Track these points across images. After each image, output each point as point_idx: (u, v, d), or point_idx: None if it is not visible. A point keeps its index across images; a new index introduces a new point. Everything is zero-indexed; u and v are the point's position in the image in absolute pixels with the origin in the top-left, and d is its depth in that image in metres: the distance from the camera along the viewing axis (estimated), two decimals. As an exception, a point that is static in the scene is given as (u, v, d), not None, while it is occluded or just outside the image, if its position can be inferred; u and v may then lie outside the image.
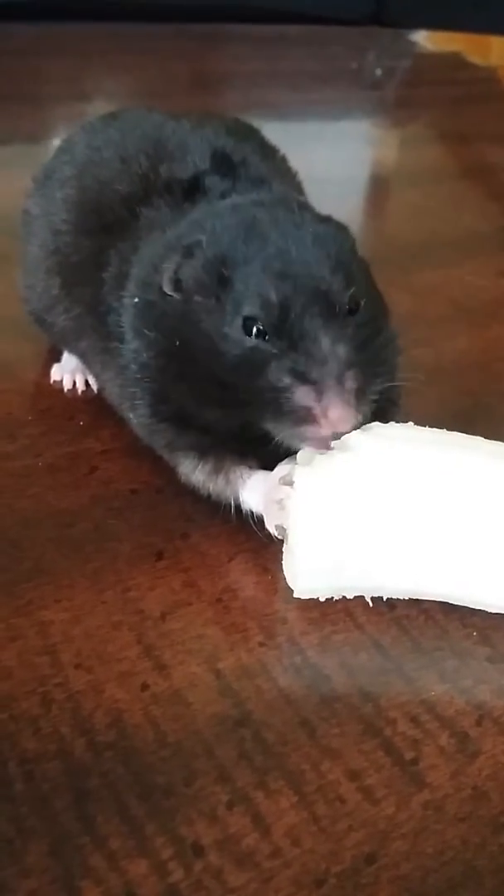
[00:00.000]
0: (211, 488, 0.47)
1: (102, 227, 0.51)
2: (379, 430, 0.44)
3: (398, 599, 0.45)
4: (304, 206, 0.48)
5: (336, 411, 0.40)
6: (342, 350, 0.40)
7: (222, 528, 0.48)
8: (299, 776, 0.36)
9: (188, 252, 0.44)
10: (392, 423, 0.45)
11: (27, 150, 1.02)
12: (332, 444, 0.42)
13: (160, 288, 0.45)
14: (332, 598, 0.44)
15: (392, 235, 0.89)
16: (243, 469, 0.46)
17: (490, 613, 0.44)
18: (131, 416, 0.50)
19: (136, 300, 0.47)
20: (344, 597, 0.45)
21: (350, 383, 0.40)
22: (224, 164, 0.50)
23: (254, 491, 0.46)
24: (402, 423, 0.45)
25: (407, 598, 0.45)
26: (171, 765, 0.36)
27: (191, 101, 1.19)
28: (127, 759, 0.36)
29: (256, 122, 0.60)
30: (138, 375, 0.47)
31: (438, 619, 0.44)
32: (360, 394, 0.41)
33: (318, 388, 0.40)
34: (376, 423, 0.44)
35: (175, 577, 0.45)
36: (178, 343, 0.44)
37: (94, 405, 0.56)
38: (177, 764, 0.36)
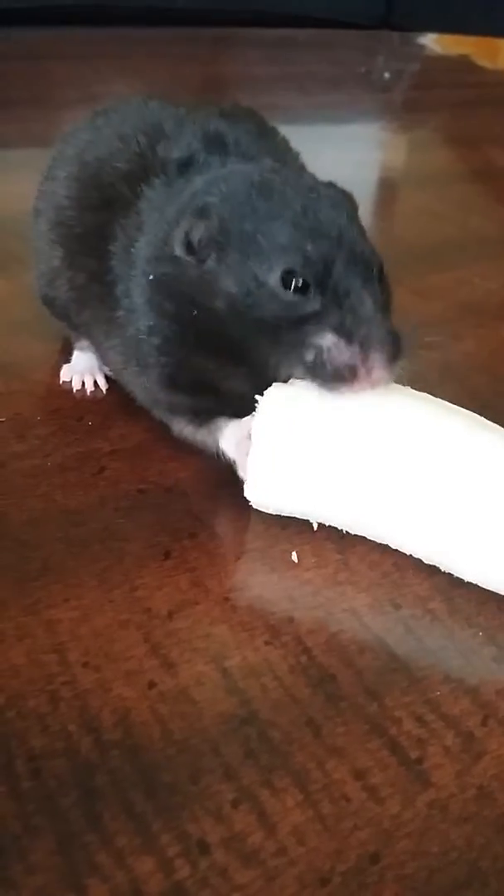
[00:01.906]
0: (198, 438, 0.50)
1: (105, 202, 0.51)
2: None
3: (404, 599, 0.45)
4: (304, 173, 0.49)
5: (380, 371, 0.42)
6: (384, 314, 0.42)
7: (229, 527, 0.48)
8: (305, 775, 0.36)
9: (201, 212, 0.45)
10: None
11: (37, 153, 1.02)
12: None
13: (171, 257, 0.45)
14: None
15: (400, 238, 0.89)
16: (223, 419, 0.48)
17: (496, 612, 0.44)
18: (135, 381, 0.51)
19: (151, 277, 0.47)
20: (349, 596, 0.45)
21: (392, 348, 0.42)
22: (216, 144, 0.51)
23: (230, 438, 0.48)
24: None
25: (354, 532, 0.47)
26: (178, 763, 0.36)
27: (200, 105, 1.19)
28: (133, 757, 0.36)
29: (264, 120, 0.60)
30: (152, 347, 0.48)
31: (444, 618, 0.44)
32: (397, 358, 0.42)
33: (364, 346, 0.41)
34: None
35: (182, 577, 0.45)
36: (194, 312, 0.45)
37: (102, 406, 0.57)
38: (183, 762, 0.36)
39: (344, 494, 0.45)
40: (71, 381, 0.58)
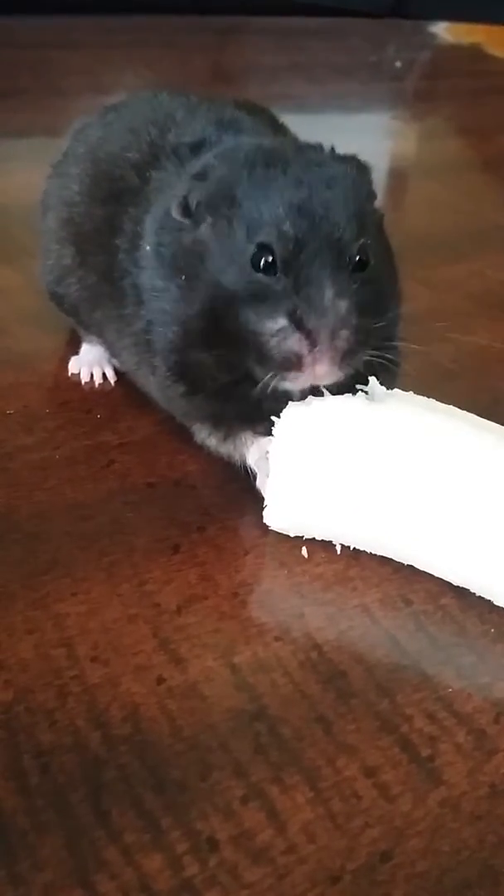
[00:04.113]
0: (222, 451, 0.49)
1: (114, 195, 0.51)
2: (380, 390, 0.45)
3: (415, 595, 0.45)
4: (341, 155, 0.47)
5: (323, 367, 0.40)
6: (343, 306, 0.40)
7: (238, 521, 0.48)
8: (315, 772, 0.36)
9: (200, 175, 0.44)
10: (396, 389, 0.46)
11: (46, 142, 1.01)
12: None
13: (171, 226, 0.45)
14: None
15: (411, 229, 0.88)
16: (249, 434, 0.48)
17: (508, 610, 0.44)
18: (149, 383, 0.51)
19: (149, 247, 0.47)
20: (360, 592, 0.44)
21: (342, 342, 0.40)
22: (231, 128, 0.50)
23: (254, 454, 0.47)
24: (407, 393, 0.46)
25: (371, 552, 0.46)
26: (187, 759, 0.36)
27: (210, 95, 1.18)
28: (142, 753, 0.36)
29: (276, 115, 0.60)
30: (155, 338, 0.47)
31: (456, 615, 0.44)
32: (349, 354, 0.41)
33: (311, 338, 0.40)
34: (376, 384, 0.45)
35: (191, 571, 0.45)
36: (184, 278, 0.44)
37: (111, 398, 0.56)
38: (192, 758, 0.36)
39: (366, 518, 0.44)
40: (79, 374, 0.58)
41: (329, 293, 0.40)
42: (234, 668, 0.40)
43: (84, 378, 0.57)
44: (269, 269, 0.41)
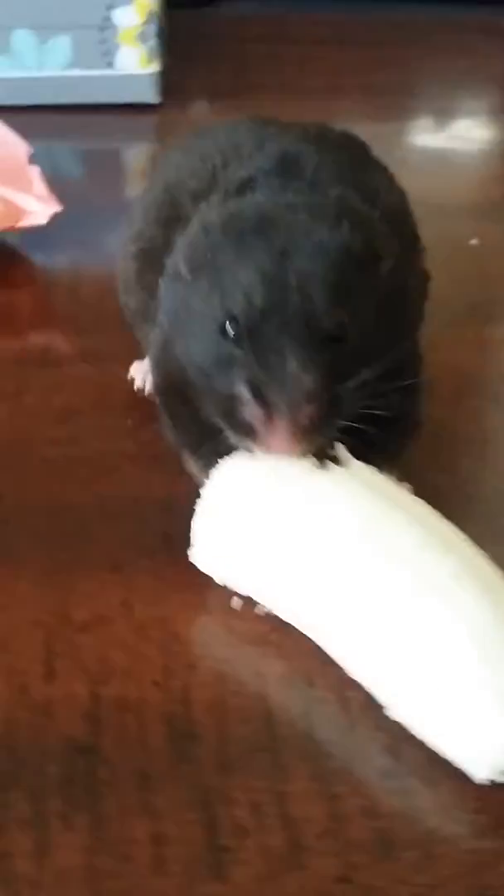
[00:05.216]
0: (195, 476, 0.49)
1: (170, 220, 0.53)
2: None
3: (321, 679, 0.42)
4: (347, 213, 0.44)
5: (278, 442, 0.39)
6: (307, 380, 0.39)
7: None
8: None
9: (205, 232, 0.45)
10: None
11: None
12: None
13: (175, 273, 0.47)
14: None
15: None
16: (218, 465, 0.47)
17: None
18: None
19: (163, 284, 0.49)
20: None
21: (303, 417, 0.39)
22: (289, 167, 0.49)
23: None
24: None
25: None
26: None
27: (492, 103, 1.12)
28: None
29: (368, 151, 0.56)
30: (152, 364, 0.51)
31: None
32: (311, 428, 0.39)
33: (270, 410, 0.39)
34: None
35: (115, 593, 0.46)
36: (173, 327, 0.46)
37: (147, 409, 0.56)
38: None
39: (283, 582, 0.43)
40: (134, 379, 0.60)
41: (293, 364, 0.39)
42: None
43: (137, 384, 0.60)
44: (236, 337, 0.41)
